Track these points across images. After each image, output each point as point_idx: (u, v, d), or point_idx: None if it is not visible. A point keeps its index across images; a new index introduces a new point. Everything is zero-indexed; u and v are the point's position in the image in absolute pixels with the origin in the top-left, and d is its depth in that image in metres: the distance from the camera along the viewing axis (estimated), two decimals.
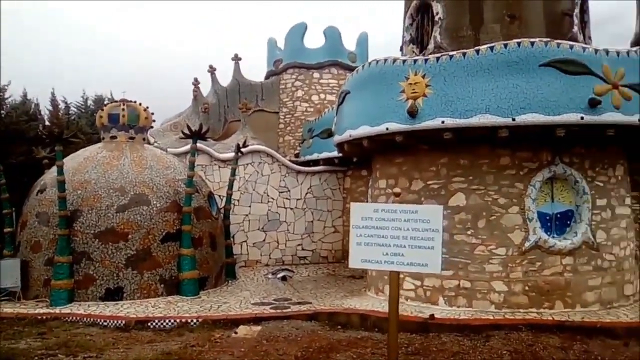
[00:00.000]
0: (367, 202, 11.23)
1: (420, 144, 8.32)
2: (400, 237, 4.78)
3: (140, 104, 10.92)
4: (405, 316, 7.39)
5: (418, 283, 8.48)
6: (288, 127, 17.38)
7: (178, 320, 7.68)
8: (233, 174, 12.01)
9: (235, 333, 6.97)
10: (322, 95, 17.08)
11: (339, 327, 7.33)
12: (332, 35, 17.21)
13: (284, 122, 17.50)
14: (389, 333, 4.71)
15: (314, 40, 17.56)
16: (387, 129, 8.11)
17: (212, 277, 10.36)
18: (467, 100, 7.52)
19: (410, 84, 7.88)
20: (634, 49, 7.93)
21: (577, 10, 9.08)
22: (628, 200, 8.88)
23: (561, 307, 7.91)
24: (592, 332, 6.74)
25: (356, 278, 11.51)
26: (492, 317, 7.44)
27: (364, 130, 8.52)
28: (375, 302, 8.68)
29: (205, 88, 17.18)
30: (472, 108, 7.47)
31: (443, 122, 7.59)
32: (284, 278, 11.67)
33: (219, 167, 12.88)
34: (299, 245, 13.45)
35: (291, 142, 17.12)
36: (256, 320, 7.63)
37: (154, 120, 11.42)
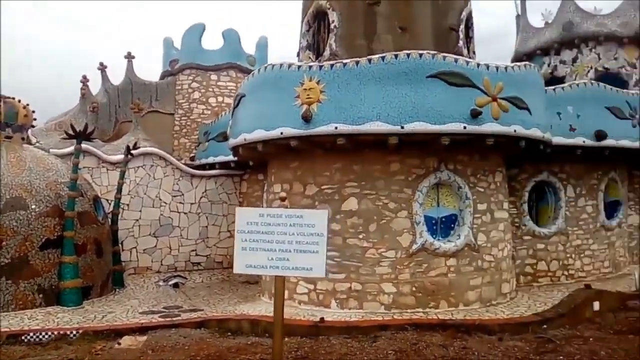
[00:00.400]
0: (262, 206, 11.18)
1: (315, 149, 8.41)
2: (285, 242, 4.77)
3: (19, 101, 10.08)
4: (295, 320, 7.44)
5: (311, 287, 8.55)
6: (184, 129, 16.91)
7: (56, 333, 7.15)
8: (122, 177, 11.46)
9: (119, 344, 6.61)
10: (220, 98, 16.82)
11: (230, 333, 7.18)
12: (231, 37, 17.03)
13: (179, 124, 17.00)
14: (274, 338, 4.68)
15: (212, 42, 17.29)
16: (281, 133, 8.11)
17: (97, 285, 9.79)
18: (360, 107, 7.70)
19: (305, 89, 7.95)
20: (512, 64, 8.56)
21: (462, 26, 9.65)
22: (506, 205, 9.54)
23: (445, 306, 8.30)
24: (471, 329, 7.13)
25: (251, 283, 11.40)
26: (380, 318, 7.66)
27: (259, 134, 8.47)
28: (268, 307, 8.58)
29: (96, 86, 16.34)
30: (364, 115, 7.67)
31: (336, 128, 7.72)
32: (176, 285, 11.32)
33: (108, 169, 12.21)
34: (192, 250, 13.07)
35: (187, 145, 16.67)
36: (142, 329, 7.27)
37: (35, 119, 10.60)
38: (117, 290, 10.55)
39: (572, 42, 14.92)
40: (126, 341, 6.70)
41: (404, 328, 7.08)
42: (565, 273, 11.11)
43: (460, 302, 8.42)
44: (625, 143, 10.93)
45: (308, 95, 7.89)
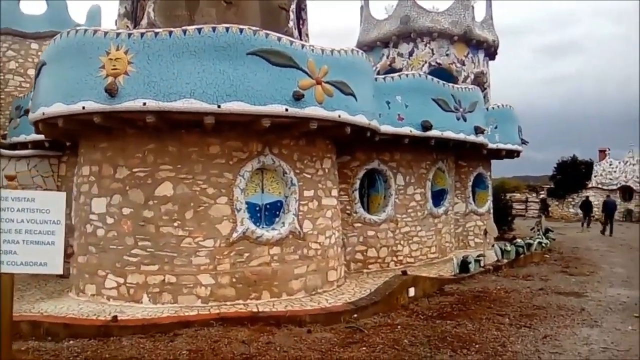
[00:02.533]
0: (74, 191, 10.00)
1: (125, 127, 7.57)
2: (12, 231, 3.94)
3: None
4: (84, 320, 6.63)
5: (121, 280, 7.73)
6: None
7: None
8: None
9: None
10: None
11: None
12: (56, 2, 15.21)
13: None
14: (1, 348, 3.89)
15: (34, 6, 15.35)
16: (83, 107, 7.12)
17: None
18: (172, 82, 6.97)
19: (111, 59, 7.04)
20: (338, 48, 8.34)
21: (293, 6, 9.29)
22: (334, 192, 9.41)
23: (268, 296, 7.96)
24: (281, 321, 6.80)
25: (64, 277, 10.15)
26: (183, 314, 7.04)
27: (59, 108, 7.38)
28: (73, 304, 7.72)
29: None
30: (177, 91, 6.96)
31: (145, 103, 6.92)
32: None
33: None
34: None
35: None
36: None
37: None
38: None
39: (408, 36, 15.40)
40: None
41: (210, 324, 6.53)
42: (395, 259, 11.40)
43: (284, 292, 8.13)
44: (449, 134, 11.44)
45: (114, 65, 7.00)
